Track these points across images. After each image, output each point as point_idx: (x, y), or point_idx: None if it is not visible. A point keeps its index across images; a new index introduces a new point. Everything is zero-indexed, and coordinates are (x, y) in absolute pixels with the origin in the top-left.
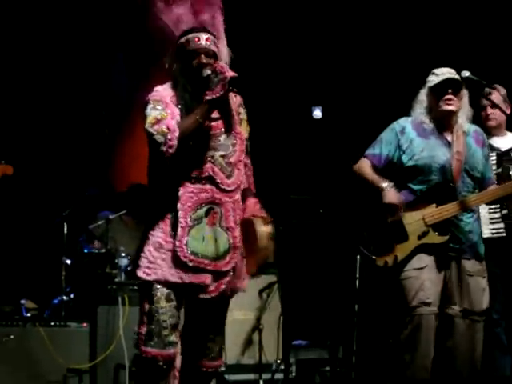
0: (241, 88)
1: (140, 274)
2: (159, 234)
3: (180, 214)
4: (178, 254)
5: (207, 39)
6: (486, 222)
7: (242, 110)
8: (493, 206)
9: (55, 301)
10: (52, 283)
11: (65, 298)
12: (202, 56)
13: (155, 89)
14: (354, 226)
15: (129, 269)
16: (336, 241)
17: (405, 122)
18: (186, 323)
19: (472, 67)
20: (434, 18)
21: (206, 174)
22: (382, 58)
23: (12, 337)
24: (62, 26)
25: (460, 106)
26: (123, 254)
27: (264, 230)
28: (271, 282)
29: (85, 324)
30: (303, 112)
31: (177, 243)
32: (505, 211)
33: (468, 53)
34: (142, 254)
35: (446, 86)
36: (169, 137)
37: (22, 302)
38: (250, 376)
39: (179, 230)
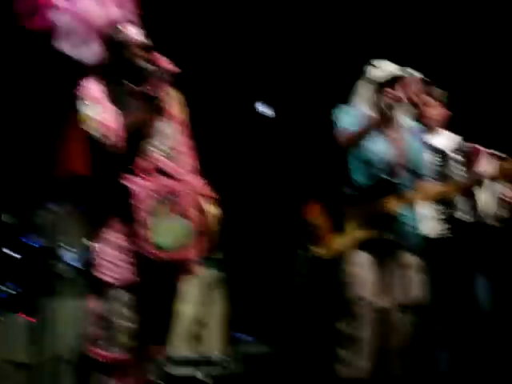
0: (183, 82)
1: (98, 274)
2: (113, 234)
3: (137, 211)
4: (142, 251)
5: (138, 32)
6: (431, 219)
7: (175, 94)
8: (438, 204)
9: None
10: None
11: (8, 291)
12: (135, 48)
13: (83, 83)
14: (298, 218)
15: (77, 265)
16: (280, 235)
17: (350, 112)
18: (139, 317)
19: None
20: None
21: (155, 165)
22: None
23: None
24: None
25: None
26: (68, 248)
27: (212, 209)
28: (216, 275)
29: (28, 317)
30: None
31: (140, 241)
32: (450, 210)
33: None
34: (96, 254)
35: (391, 81)
36: (106, 133)
37: None
38: (192, 370)
39: (139, 227)
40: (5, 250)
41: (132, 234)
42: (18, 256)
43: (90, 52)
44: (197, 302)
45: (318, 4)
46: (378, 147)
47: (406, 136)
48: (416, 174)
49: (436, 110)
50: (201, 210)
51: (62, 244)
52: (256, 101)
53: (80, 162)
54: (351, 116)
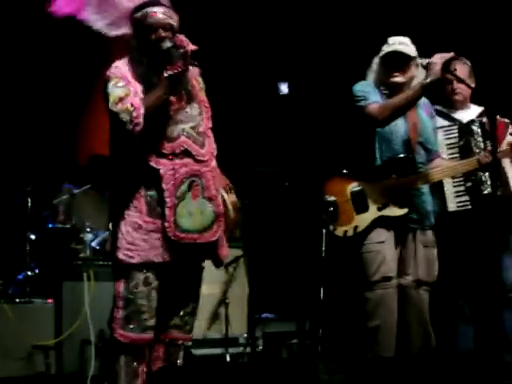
0: (204, 61)
1: (120, 256)
2: (136, 214)
3: (166, 193)
4: (169, 234)
5: (164, 13)
6: (452, 195)
7: (201, 80)
8: (456, 180)
9: (19, 276)
10: (16, 259)
11: (29, 273)
12: (160, 30)
13: (114, 65)
14: (319, 196)
15: (97, 247)
16: (302, 214)
17: (373, 87)
18: (163, 298)
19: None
20: None
21: (181, 148)
22: (347, 31)
23: None
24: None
25: (410, 77)
26: (88, 229)
27: (230, 198)
28: (237, 255)
29: (50, 300)
30: (269, 87)
31: (166, 224)
32: (469, 184)
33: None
34: (119, 235)
35: (393, 57)
36: (134, 114)
37: None
38: (217, 350)
39: (166, 210)
40: (27, 233)
41: (158, 216)
42: (40, 238)
43: (118, 30)
44: (219, 282)
45: None
46: (395, 124)
47: (419, 113)
48: (432, 150)
49: (464, 85)
50: (228, 203)
51: (84, 226)
52: (273, 79)
53: (101, 143)
54: (375, 91)
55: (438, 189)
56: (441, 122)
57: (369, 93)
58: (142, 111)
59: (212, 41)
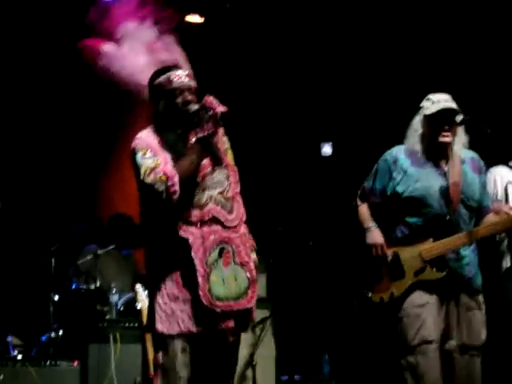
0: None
1: (160, 327)
2: (172, 285)
3: (196, 262)
4: (204, 303)
5: (187, 75)
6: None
7: (225, 139)
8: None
9: (43, 338)
10: (39, 320)
11: (53, 335)
12: (186, 93)
13: (138, 136)
14: (349, 261)
15: (122, 308)
16: (327, 274)
17: (398, 152)
18: (201, 368)
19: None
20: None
21: (210, 215)
22: (391, 92)
23: (2, 377)
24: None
25: (455, 134)
26: (113, 291)
27: (251, 256)
28: (264, 316)
29: (75, 363)
30: (312, 148)
31: (200, 292)
32: None
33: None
34: (156, 307)
35: (442, 115)
36: (169, 183)
37: (9, 339)
38: None
39: (199, 278)
40: (50, 294)
41: (190, 285)
42: (63, 299)
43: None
44: (247, 344)
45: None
46: (431, 183)
47: (462, 168)
48: (480, 207)
49: None
50: (251, 258)
51: (109, 287)
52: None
53: (121, 202)
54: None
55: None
56: None
57: (374, 175)
58: (176, 179)
59: (252, 101)
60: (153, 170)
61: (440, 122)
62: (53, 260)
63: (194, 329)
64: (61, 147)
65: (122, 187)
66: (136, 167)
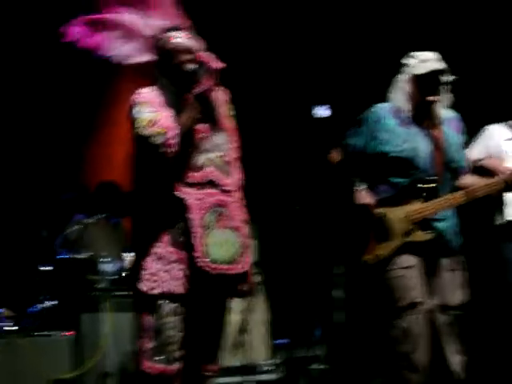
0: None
1: (142, 287)
2: (158, 244)
3: (193, 223)
4: (199, 264)
5: (184, 36)
6: (511, 203)
7: (230, 107)
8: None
9: (34, 309)
10: (30, 291)
11: (44, 305)
12: (182, 53)
13: (139, 91)
14: (335, 223)
15: (113, 276)
16: (318, 238)
17: (381, 111)
18: (189, 330)
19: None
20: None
21: (208, 178)
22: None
23: None
24: None
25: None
26: (103, 259)
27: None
28: (256, 282)
29: (68, 333)
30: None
31: (196, 254)
32: None
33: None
34: (141, 266)
35: (432, 75)
36: (168, 135)
37: (0, 310)
38: (238, 378)
39: (195, 240)
40: (40, 265)
41: (181, 247)
42: (55, 269)
43: (139, 56)
44: (240, 310)
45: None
46: (419, 144)
47: (445, 130)
48: (458, 168)
49: None
50: (246, 223)
51: (98, 256)
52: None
53: (108, 170)
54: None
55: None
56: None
57: (355, 133)
58: (175, 132)
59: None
60: (151, 122)
61: (430, 82)
62: (43, 231)
63: (179, 289)
64: (45, 115)
65: (108, 154)
66: (133, 120)
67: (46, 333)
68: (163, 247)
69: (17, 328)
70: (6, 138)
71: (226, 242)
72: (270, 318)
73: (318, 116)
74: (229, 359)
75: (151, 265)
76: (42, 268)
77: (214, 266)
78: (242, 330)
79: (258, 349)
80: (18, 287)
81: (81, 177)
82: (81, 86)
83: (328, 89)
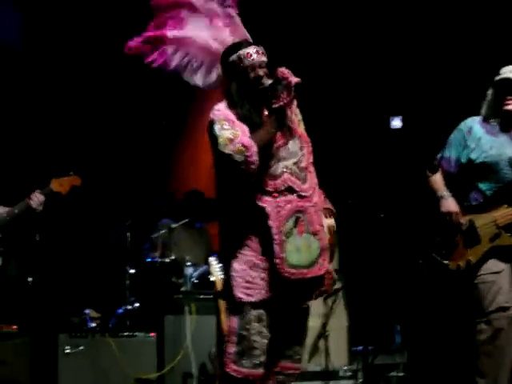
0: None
1: (239, 294)
2: (250, 253)
3: (273, 230)
4: (279, 270)
5: (257, 52)
6: None
7: (298, 112)
8: None
9: (119, 310)
10: (116, 293)
11: (129, 307)
12: (258, 69)
13: (216, 107)
14: (421, 231)
15: (198, 280)
16: (399, 245)
17: (472, 122)
18: (274, 333)
19: None
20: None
21: (286, 185)
22: (463, 66)
23: (81, 348)
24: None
25: None
26: (188, 263)
27: (328, 221)
28: (336, 288)
29: (152, 334)
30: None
31: (277, 260)
32: None
33: None
34: (233, 273)
35: (504, 84)
36: (248, 153)
37: (86, 311)
38: (317, 383)
39: (275, 247)
40: (126, 267)
41: (266, 253)
42: (139, 272)
43: (211, 78)
44: (319, 315)
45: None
46: (505, 150)
47: None
48: None
49: None
50: (325, 227)
51: (183, 260)
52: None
53: (197, 179)
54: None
55: None
56: None
57: (449, 145)
58: (255, 149)
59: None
60: (231, 140)
61: (502, 90)
62: (128, 234)
63: (270, 295)
64: (136, 123)
65: (194, 163)
66: (214, 138)
67: (131, 333)
68: (255, 256)
69: (103, 328)
70: (105, 148)
71: (305, 247)
72: (350, 323)
73: (396, 127)
74: (307, 364)
75: (246, 272)
76: (129, 270)
77: (293, 271)
78: (321, 335)
79: (337, 354)
80: (106, 289)
81: (166, 184)
82: (171, 93)
83: (402, 100)
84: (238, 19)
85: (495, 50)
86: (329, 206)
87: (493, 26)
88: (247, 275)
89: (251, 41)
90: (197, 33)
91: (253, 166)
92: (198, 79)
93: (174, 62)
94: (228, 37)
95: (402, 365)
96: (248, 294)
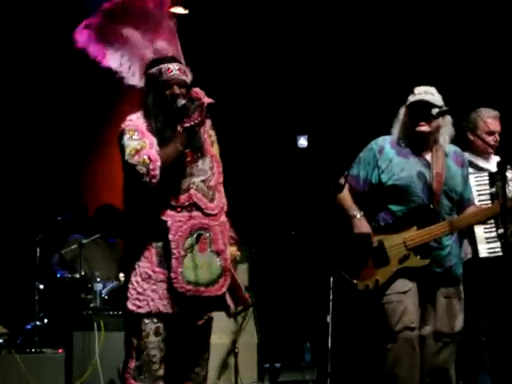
0: (221, 114)
1: (130, 306)
2: (146, 265)
3: (172, 244)
4: (175, 285)
5: (179, 69)
6: (482, 241)
7: (212, 132)
8: (488, 225)
9: (28, 326)
10: (24, 308)
11: (38, 323)
12: (175, 87)
13: (129, 118)
14: (331, 249)
15: (107, 296)
16: (309, 263)
17: (383, 142)
18: (172, 350)
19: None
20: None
21: (191, 201)
22: (368, 86)
23: None
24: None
25: (437, 127)
26: (98, 279)
27: (231, 249)
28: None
29: (60, 350)
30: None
31: (172, 275)
32: (501, 230)
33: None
34: (129, 285)
35: (418, 106)
36: (151, 167)
37: None
38: None
39: (173, 261)
40: (35, 283)
41: (164, 266)
42: (48, 288)
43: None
44: (229, 332)
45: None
46: (415, 172)
47: (445, 161)
48: (462, 199)
49: (494, 137)
50: (228, 248)
51: (93, 276)
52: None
53: (107, 193)
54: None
55: (469, 235)
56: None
57: (358, 163)
58: (158, 163)
59: (230, 94)
60: (137, 151)
61: (416, 113)
62: (38, 249)
63: (164, 309)
64: (46, 135)
65: (108, 177)
66: (122, 147)
67: (39, 349)
68: (151, 267)
69: (10, 344)
70: (5, 156)
71: (205, 265)
72: (260, 340)
73: (302, 146)
74: (217, 381)
75: (139, 284)
76: (38, 286)
77: (188, 287)
78: (231, 351)
79: (247, 371)
80: (14, 305)
81: (78, 197)
82: (84, 105)
83: (308, 119)
84: (176, 34)
85: (401, 69)
86: (232, 234)
87: (398, 44)
88: (139, 287)
89: (181, 57)
90: (137, 38)
91: (154, 180)
92: (135, 80)
93: (113, 60)
94: (164, 49)
95: (311, 382)
96: (138, 306)
